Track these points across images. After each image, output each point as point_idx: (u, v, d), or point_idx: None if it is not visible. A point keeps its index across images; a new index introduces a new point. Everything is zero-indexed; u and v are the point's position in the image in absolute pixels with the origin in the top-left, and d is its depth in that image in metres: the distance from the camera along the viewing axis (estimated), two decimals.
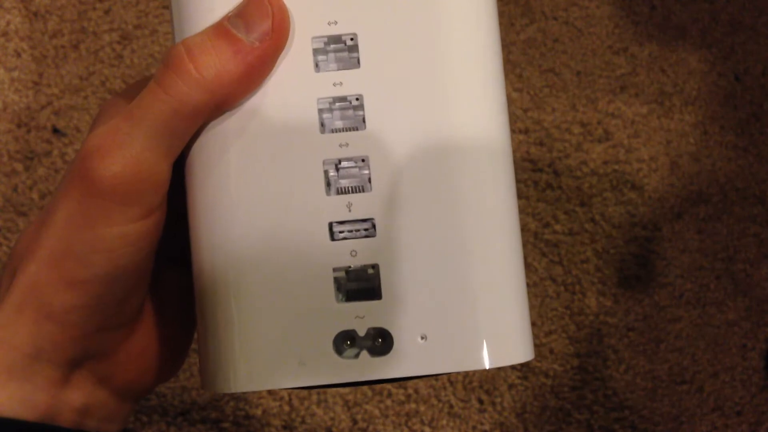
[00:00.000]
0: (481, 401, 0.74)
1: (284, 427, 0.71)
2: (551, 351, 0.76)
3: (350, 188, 0.22)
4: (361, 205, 0.22)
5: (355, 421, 0.72)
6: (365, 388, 0.73)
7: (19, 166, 0.76)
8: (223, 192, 0.22)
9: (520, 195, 0.79)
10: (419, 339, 0.22)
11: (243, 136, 0.22)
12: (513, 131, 0.81)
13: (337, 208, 0.22)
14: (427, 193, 0.22)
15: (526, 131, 0.81)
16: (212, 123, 0.22)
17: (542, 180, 0.80)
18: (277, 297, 0.22)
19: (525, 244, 0.78)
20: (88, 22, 0.80)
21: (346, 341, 0.22)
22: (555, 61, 0.83)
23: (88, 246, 0.22)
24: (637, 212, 0.80)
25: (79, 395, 0.24)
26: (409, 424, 0.73)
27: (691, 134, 0.83)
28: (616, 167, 0.81)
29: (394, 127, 0.22)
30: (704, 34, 0.86)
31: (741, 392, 0.77)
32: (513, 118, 0.81)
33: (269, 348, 0.22)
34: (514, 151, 0.80)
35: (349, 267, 0.22)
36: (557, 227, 0.79)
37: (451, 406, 0.74)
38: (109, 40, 0.80)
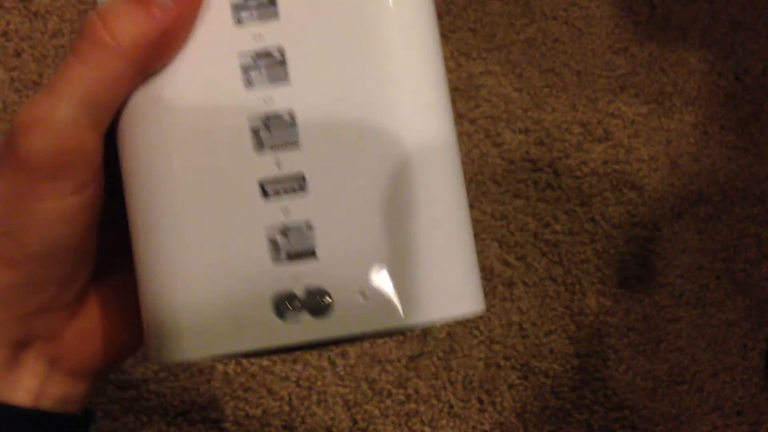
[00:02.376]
0: (481, 401, 0.74)
1: (284, 427, 0.71)
2: (551, 351, 0.76)
3: (279, 145, 0.22)
4: (291, 161, 0.22)
5: (355, 421, 0.72)
6: (365, 387, 0.73)
7: None
8: (152, 157, 0.22)
9: (520, 195, 0.79)
10: (360, 297, 0.22)
11: (168, 99, 0.22)
12: (513, 131, 0.81)
13: (267, 164, 0.22)
14: (358, 142, 0.22)
15: (526, 131, 0.81)
16: (138, 89, 0.22)
17: (542, 180, 0.80)
18: (213, 262, 0.22)
19: (525, 244, 0.78)
20: None
21: (285, 303, 0.22)
22: (555, 61, 0.83)
23: (20, 223, 0.22)
24: (637, 212, 0.80)
25: (31, 377, 0.24)
26: (409, 424, 0.73)
27: (691, 134, 0.83)
28: (616, 167, 0.81)
29: (321, 80, 0.22)
30: (704, 34, 0.86)
31: (741, 392, 0.77)
32: (513, 118, 0.81)
33: (208, 315, 0.22)
34: (514, 151, 0.80)
35: (283, 225, 0.22)
36: (557, 227, 0.79)
37: (451, 406, 0.74)
38: None
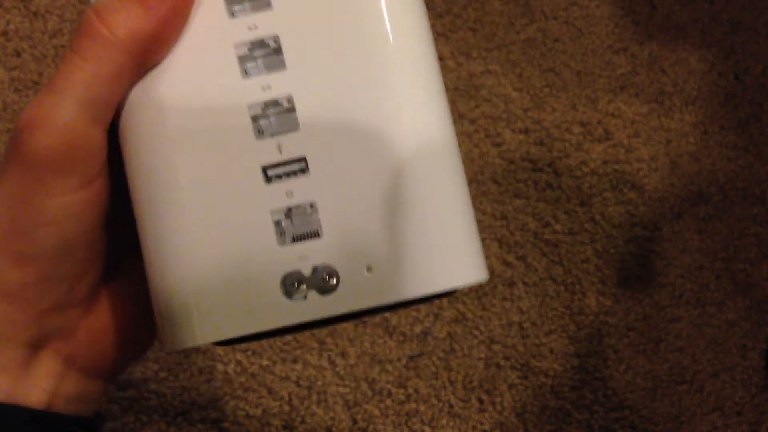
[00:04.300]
0: (481, 401, 0.74)
1: (284, 427, 0.71)
2: (551, 351, 0.76)
3: (279, 131, 0.22)
4: (292, 146, 0.22)
5: (355, 421, 0.72)
6: (365, 387, 0.73)
7: None
8: (154, 149, 0.23)
9: (520, 195, 0.79)
10: (365, 272, 0.22)
11: (168, 91, 0.22)
12: (513, 131, 0.81)
13: (269, 150, 0.22)
14: (355, 122, 0.22)
15: (526, 131, 0.81)
16: (138, 84, 0.23)
17: (542, 180, 0.80)
18: (220, 247, 0.22)
19: (525, 244, 0.78)
20: None
21: (293, 283, 0.22)
22: (555, 61, 0.83)
23: (30, 220, 0.22)
24: (637, 212, 0.80)
25: (45, 377, 0.24)
26: (409, 424, 0.73)
27: (691, 134, 0.83)
28: (616, 167, 0.81)
29: (317, 65, 0.22)
30: (704, 34, 0.86)
31: (741, 392, 0.77)
32: (513, 118, 0.81)
33: (218, 299, 0.22)
34: (514, 151, 0.80)
35: (287, 208, 0.22)
36: (557, 227, 0.79)
37: (451, 406, 0.74)
38: None
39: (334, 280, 0.22)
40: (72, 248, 0.23)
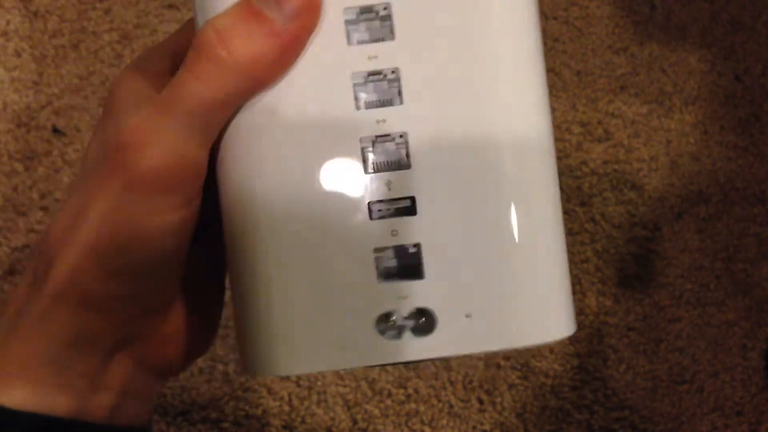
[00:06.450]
0: (481, 401, 0.74)
1: (284, 427, 0.71)
2: (551, 351, 0.76)
3: (388, 165, 0.22)
4: (400, 183, 0.22)
5: (355, 421, 0.72)
6: (365, 387, 0.73)
7: (19, 166, 0.76)
8: (257, 176, 0.22)
9: None
10: (463, 317, 0.22)
11: (277, 116, 0.22)
12: None
13: (376, 186, 0.22)
14: (467, 168, 0.22)
15: None
16: (245, 105, 0.22)
17: None
18: (317, 280, 0.22)
19: None
20: (88, 22, 0.80)
21: (388, 322, 0.22)
22: (555, 61, 0.83)
23: (129, 237, 0.22)
24: (637, 212, 0.80)
25: (118, 379, 0.24)
26: (409, 424, 0.73)
27: (691, 134, 0.83)
28: (616, 167, 0.81)
29: (432, 102, 0.22)
30: (704, 34, 0.86)
31: (741, 392, 0.77)
32: None
33: (310, 331, 0.22)
34: None
35: (390, 246, 0.22)
36: None
37: (451, 406, 0.74)
38: (109, 40, 0.80)
39: (431, 324, 0.22)
40: (164, 262, 0.23)
